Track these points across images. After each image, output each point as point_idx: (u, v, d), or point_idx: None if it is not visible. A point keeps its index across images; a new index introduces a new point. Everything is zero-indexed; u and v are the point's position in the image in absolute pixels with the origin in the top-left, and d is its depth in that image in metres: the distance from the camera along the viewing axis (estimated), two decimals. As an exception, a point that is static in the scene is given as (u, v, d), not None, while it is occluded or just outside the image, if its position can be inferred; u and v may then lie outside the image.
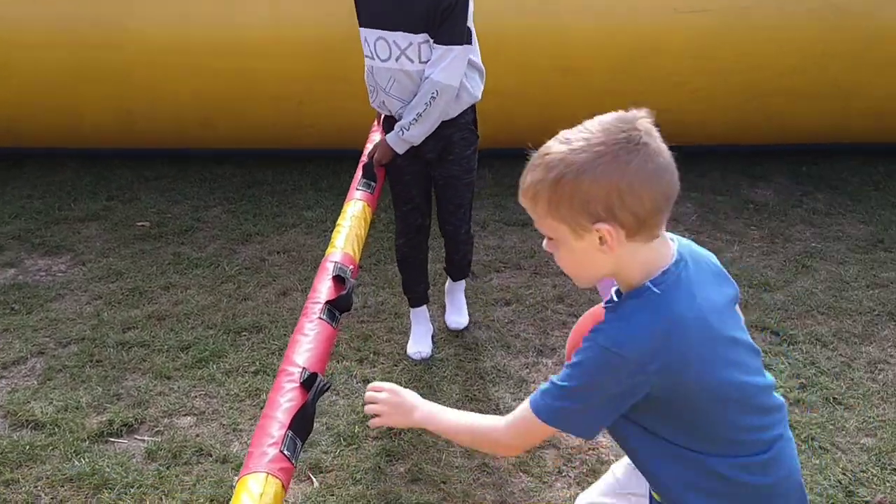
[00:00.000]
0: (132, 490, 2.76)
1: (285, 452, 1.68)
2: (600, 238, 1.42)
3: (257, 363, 3.44)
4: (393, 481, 2.82)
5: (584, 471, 2.87)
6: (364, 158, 3.33)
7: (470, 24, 3.11)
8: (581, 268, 1.50)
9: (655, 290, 1.43)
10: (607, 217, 1.40)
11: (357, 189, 3.04)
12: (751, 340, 1.58)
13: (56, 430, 3.03)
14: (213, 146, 5.45)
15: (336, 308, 2.22)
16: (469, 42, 3.11)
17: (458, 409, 3.13)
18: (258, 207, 4.94)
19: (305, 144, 5.39)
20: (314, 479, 2.83)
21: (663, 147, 1.44)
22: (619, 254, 1.44)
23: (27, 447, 2.93)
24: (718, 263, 1.62)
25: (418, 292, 3.59)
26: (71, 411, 3.14)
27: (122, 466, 2.86)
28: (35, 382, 3.33)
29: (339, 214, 4.79)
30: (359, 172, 3.21)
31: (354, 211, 2.86)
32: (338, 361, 3.48)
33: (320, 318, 2.14)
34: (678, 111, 4.95)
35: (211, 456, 2.93)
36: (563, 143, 1.44)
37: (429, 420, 1.67)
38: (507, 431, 1.56)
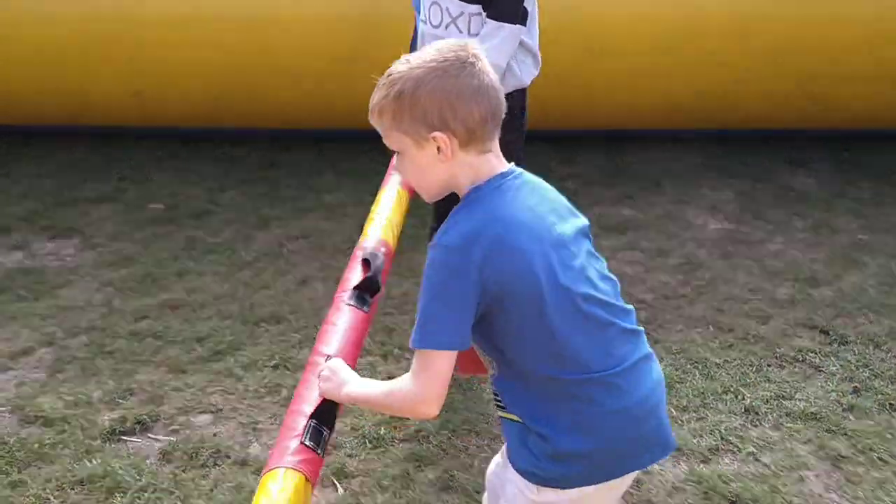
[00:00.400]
0: (146, 494, 2.59)
1: (307, 443, 1.55)
2: (438, 147, 1.58)
3: (277, 357, 3.26)
4: (422, 489, 2.64)
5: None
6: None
7: (529, 4, 2.91)
8: (422, 177, 1.66)
9: (476, 193, 1.62)
10: (442, 127, 1.57)
11: (393, 174, 2.83)
12: (604, 269, 1.69)
13: (66, 427, 2.86)
14: (227, 125, 5.25)
15: (365, 291, 2.04)
16: (523, 23, 2.92)
17: (491, 413, 2.96)
18: (276, 190, 4.75)
19: (325, 124, 5.19)
20: (339, 486, 2.66)
21: (489, 69, 1.61)
22: (453, 163, 1.61)
23: (35, 445, 2.76)
24: (565, 201, 1.74)
25: None
26: (81, 407, 2.96)
27: (135, 468, 2.68)
28: (44, 375, 3.16)
29: (358, 198, 4.66)
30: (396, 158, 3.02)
31: (390, 197, 2.66)
32: (361, 356, 3.29)
33: (348, 303, 1.98)
34: (719, 94, 4.75)
35: (229, 458, 2.75)
36: (404, 63, 1.61)
37: (353, 396, 1.68)
38: (410, 382, 1.60)
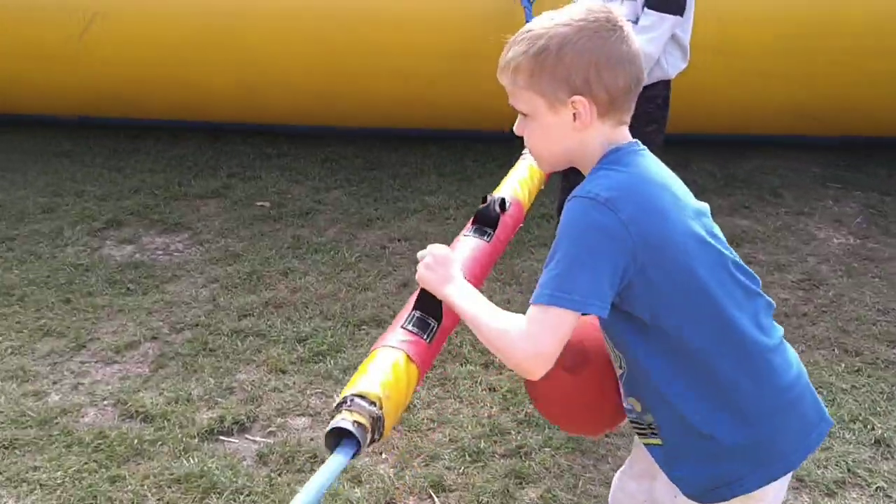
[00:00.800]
0: (241, 497, 2.55)
1: (409, 327, 1.49)
2: (574, 113, 1.47)
3: (376, 361, 3.20)
4: (523, 508, 2.53)
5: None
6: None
7: None
8: (549, 144, 1.53)
9: (616, 154, 1.49)
10: (584, 90, 1.45)
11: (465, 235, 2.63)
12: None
13: (166, 423, 2.86)
14: (333, 123, 5.25)
15: (482, 223, 1.93)
16: (681, 14, 2.82)
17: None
18: (379, 191, 4.71)
19: (432, 125, 5.13)
20: (436, 499, 2.57)
21: (635, 38, 1.49)
22: (588, 132, 1.48)
23: (135, 441, 2.77)
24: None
25: None
26: (182, 404, 2.96)
27: (231, 469, 2.65)
28: (147, 370, 3.18)
29: (461, 201, 4.57)
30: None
31: (524, 168, 2.48)
32: (461, 365, 3.20)
33: (465, 234, 1.92)
34: (849, 97, 4.47)
35: (325, 463, 2.69)
36: (548, 19, 1.49)
37: (453, 300, 1.50)
38: (525, 334, 1.42)
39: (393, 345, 1.47)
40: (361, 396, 1.33)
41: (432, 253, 1.57)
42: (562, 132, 1.50)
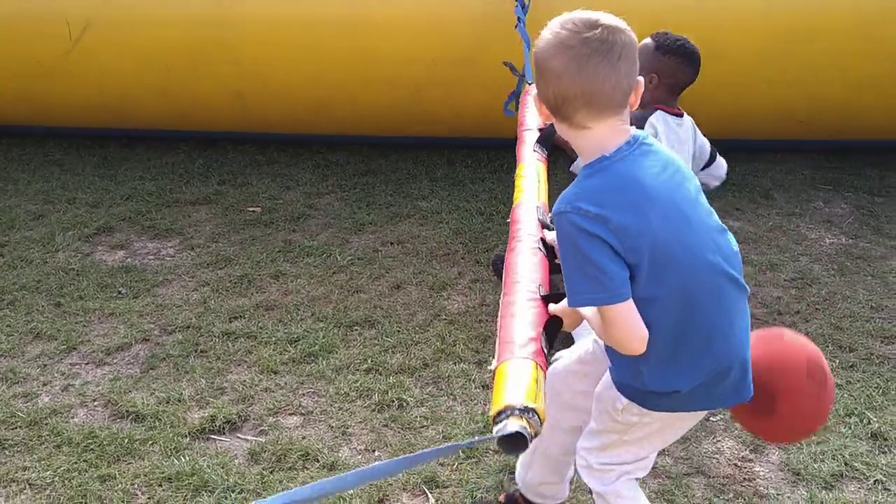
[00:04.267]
0: (233, 495, 2.53)
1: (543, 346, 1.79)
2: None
3: (369, 360, 3.18)
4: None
5: (740, 505, 2.49)
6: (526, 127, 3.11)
7: None
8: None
9: (603, 162, 1.75)
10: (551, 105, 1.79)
11: (534, 151, 2.83)
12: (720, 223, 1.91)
13: (157, 423, 2.84)
14: (326, 132, 5.24)
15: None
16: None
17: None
18: (371, 196, 4.70)
19: (421, 132, 5.13)
20: (430, 496, 2.54)
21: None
22: (573, 135, 1.79)
23: (126, 440, 2.74)
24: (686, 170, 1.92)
25: None
26: (173, 404, 2.94)
27: (223, 468, 2.63)
28: (138, 371, 3.15)
29: (454, 205, 4.57)
30: (524, 138, 2.96)
31: (531, 168, 2.67)
32: (454, 363, 3.19)
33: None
34: (839, 101, 4.47)
35: (318, 461, 2.67)
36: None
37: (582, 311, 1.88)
38: (607, 336, 1.83)
39: (530, 357, 1.74)
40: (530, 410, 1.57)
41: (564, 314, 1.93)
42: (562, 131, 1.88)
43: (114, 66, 4.89)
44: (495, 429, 1.54)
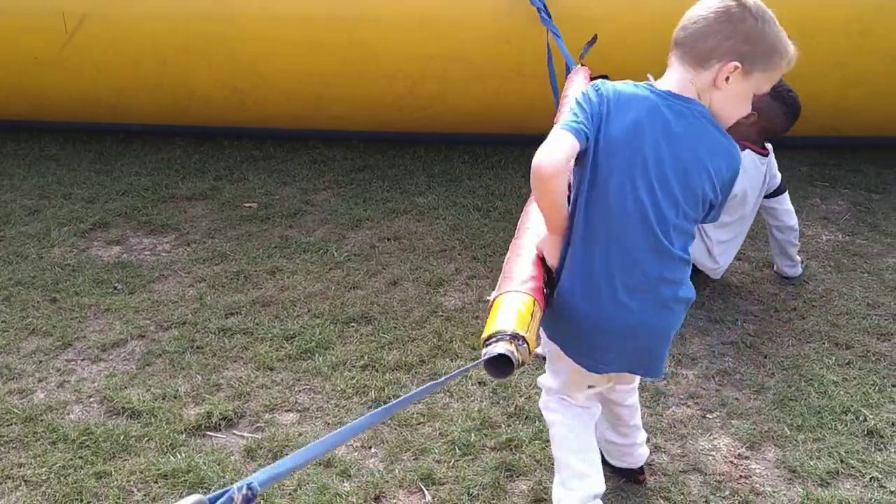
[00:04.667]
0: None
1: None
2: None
3: (366, 357, 3.17)
4: (514, 500, 2.50)
5: (736, 502, 2.49)
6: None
7: None
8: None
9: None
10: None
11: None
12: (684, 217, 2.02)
13: (152, 419, 2.83)
14: (323, 127, 5.23)
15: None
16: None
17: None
18: (368, 192, 4.69)
19: (419, 128, 5.12)
20: (426, 492, 2.54)
21: None
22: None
23: (122, 437, 2.73)
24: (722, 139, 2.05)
25: None
26: (169, 400, 2.93)
27: (219, 464, 2.62)
28: (133, 367, 3.14)
29: (451, 201, 4.56)
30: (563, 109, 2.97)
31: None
32: (451, 360, 3.18)
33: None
34: (834, 97, 4.45)
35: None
36: None
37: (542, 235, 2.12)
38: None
39: (526, 291, 1.84)
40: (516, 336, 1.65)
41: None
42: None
43: (109, 60, 4.87)
44: (483, 351, 1.62)
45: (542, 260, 2.03)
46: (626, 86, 2.03)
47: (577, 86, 3.30)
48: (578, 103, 1.99)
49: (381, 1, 4.67)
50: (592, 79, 3.40)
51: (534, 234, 2.11)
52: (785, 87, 3.16)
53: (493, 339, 1.64)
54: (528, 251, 2.04)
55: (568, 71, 3.80)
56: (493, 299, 1.83)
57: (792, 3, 4.46)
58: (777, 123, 3.18)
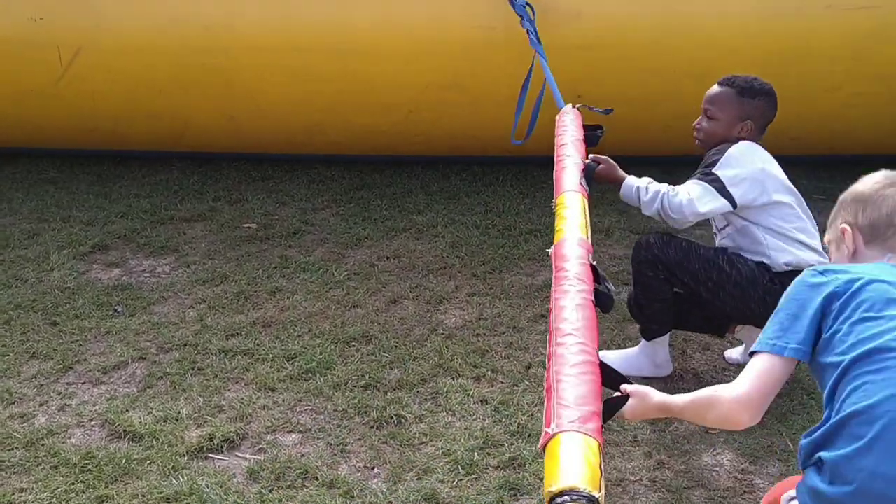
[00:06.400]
0: (232, 514, 2.51)
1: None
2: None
3: (367, 377, 3.17)
4: (518, 519, 2.50)
5: (741, 518, 2.48)
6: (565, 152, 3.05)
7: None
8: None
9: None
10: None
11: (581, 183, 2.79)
12: None
13: (154, 442, 2.82)
14: (320, 152, 5.26)
15: (597, 300, 2.03)
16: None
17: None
18: (367, 211, 4.70)
19: (415, 152, 5.15)
20: (430, 512, 2.53)
21: None
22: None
23: (123, 460, 2.73)
24: None
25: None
26: (170, 423, 2.92)
27: (221, 487, 2.62)
28: (135, 390, 3.14)
29: (450, 219, 4.57)
30: (564, 165, 2.91)
31: (575, 200, 2.60)
32: (452, 379, 3.18)
33: (590, 299, 1.98)
34: (829, 118, 4.49)
35: (317, 479, 2.66)
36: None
37: (664, 404, 1.80)
38: (736, 386, 1.70)
39: (589, 433, 1.54)
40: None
41: (636, 397, 1.83)
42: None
43: (106, 90, 4.90)
44: None
45: (601, 379, 1.74)
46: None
47: (570, 132, 3.22)
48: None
49: (375, 31, 4.71)
50: (585, 126, 3.34)
51: (578, 344, 1.79)
52: (749, 81, 3.13)
53: (567, 500, 1.39)
54: (578, 371, 1.70)
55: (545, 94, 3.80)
56: (551, 437, 1.53)
57: (786, 31, 4.52)
58: (769, 115, 3.16)
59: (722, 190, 2.94)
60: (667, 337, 3.14)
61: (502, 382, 3.15)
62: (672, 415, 1.84)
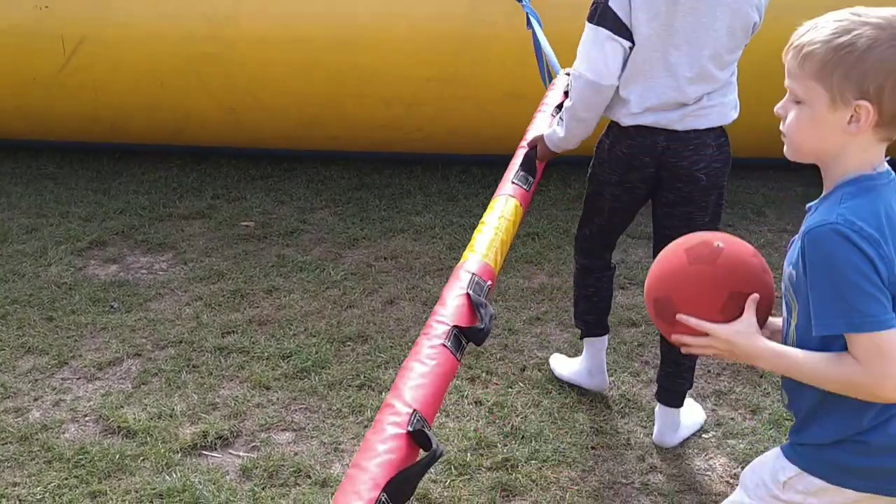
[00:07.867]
0: (224, 511, 2.52)
1: (515, 181, 1.71)
2: (852, 115, 1.44)
3: (362, 376, 3.18)
4: (510, 520, 2.51)
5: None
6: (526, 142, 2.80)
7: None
8: (810, 136, 1.51)
9: (870, 181, 1.48)
10: (874, 97, 1.41)
11: (512, 182, 2.47)
12: None
13: (148, 439, 2.82)
14: (320, 147, 5.26)
15: (466, 337, 1.76)
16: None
17: (585, 443, 2.80)
18: (365, 211, 4.71)
19: (414, 148, 5.15)
20: (422, 512, 2.54)
21: None
22: (855, 139, 1.46)
23: (117, 456, 2.73)
24: None
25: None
26: (164, 419, 2.93)
27: (214, 484, 2.62)
28: (129, 386, 3.14)
29: (448, 220, 4.58)
30: (515, 161, 2.66)
31: (505, 209, 2.32)
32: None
33: (444, 344, 1.68)
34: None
35: (310, 478, 2.66)
36: (856, 16, 1.44)
37: (773, 351, 1.55)
38: (867, 371, 1.44)
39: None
40: None
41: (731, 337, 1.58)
42: (830, 130, 1.47)
43: (107, 81, 4.90)
44: None
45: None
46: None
47: (557, 95, 3.12)
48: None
49: (377, 24, 4.71)
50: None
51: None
52: None
53: None
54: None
55: (550, 77, 3.63)
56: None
57: (787, 26, 4.51)
58: None
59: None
60: (604, 345, 3.06)
61: (497, 384, 3.16)
62: (779, 367, 1.58)
